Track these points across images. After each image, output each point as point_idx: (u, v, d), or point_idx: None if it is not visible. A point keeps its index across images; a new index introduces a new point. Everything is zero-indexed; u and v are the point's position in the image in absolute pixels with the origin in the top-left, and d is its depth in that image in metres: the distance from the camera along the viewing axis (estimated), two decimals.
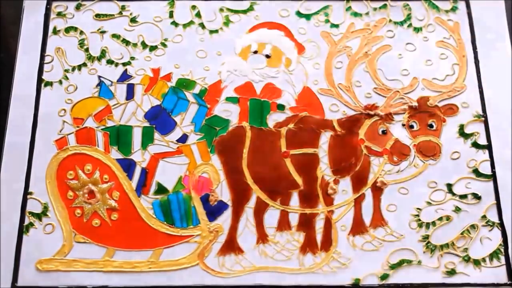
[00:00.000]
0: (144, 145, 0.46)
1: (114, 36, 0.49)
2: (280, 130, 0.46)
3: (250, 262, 0.42)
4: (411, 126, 0.46)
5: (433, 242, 0.43)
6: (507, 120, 0.46)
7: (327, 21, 0.49)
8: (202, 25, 0.49)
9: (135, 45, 0.49)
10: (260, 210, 0.44)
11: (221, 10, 0.50)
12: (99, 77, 0.48)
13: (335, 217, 0.44)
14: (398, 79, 0.47)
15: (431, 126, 0.46)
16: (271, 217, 0.44)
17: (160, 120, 0.46)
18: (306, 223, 0.43)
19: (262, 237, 0.43)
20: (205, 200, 0.44)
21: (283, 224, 0.43)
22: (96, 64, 0.48)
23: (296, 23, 0.48)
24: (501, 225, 0.43)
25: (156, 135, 0.46)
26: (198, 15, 0.50)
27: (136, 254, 0.43)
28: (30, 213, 0.44)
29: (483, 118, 0.46)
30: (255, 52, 0.48)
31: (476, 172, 0.45)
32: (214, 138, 0.46)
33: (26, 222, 0.43)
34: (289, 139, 0.46)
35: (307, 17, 0.49)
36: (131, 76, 0.48)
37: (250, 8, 0.49)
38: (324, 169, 0.45)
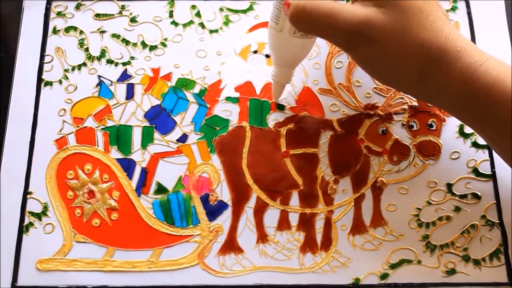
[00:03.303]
0: (144, 145, 0.46)
1: (114, 36, 0.49)
2: (280, 130, 0.46)
3: (250, 262, 0.42)
4: (411, 126, 0.46)
5: (433, 241, 0.43)
6: None
7: None
8: (202, 25, 0.49)
9: (135, 44, 0.49)
10: (260, 210, 0.44)
11: (221, 9, 0.50)
12: (99, 76, 0.48)
13: (335, 217, 0.44)
14: None
15: (431, 126, 0.46)
16: (271, 217, 0.44)
17: (160, 120, 0.46)
18: (306, 222, 0.43)
19: (262, 237, 0.43)
20: (205, 200, 0.44)
21: (283, 223, 0.43)
22: (96, 63, 0.48)
23: None
24: (501, 224, 0.43)
25: (156, 135, 0.46)
26: (198, 14, 0.49)
27: (136, 254, 0.43)
28: (30, 213, 0.44)
29: None
30: (255, 52, 0.48)
31: (476, 171, 0.45)
32: (214, 138, 0.46)
33: (26, 222, 0.43)
34: (289, 139, 0.46)
35: None
36: (131, 76, 0.48)
37: (250, 8, 0.49)
38: (324, 169, 0.45)
